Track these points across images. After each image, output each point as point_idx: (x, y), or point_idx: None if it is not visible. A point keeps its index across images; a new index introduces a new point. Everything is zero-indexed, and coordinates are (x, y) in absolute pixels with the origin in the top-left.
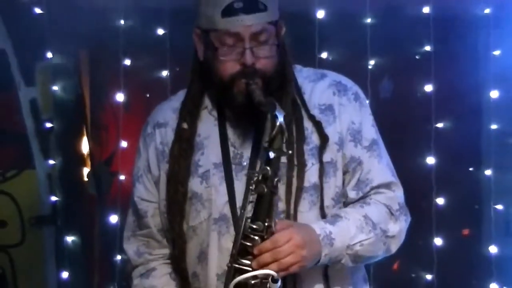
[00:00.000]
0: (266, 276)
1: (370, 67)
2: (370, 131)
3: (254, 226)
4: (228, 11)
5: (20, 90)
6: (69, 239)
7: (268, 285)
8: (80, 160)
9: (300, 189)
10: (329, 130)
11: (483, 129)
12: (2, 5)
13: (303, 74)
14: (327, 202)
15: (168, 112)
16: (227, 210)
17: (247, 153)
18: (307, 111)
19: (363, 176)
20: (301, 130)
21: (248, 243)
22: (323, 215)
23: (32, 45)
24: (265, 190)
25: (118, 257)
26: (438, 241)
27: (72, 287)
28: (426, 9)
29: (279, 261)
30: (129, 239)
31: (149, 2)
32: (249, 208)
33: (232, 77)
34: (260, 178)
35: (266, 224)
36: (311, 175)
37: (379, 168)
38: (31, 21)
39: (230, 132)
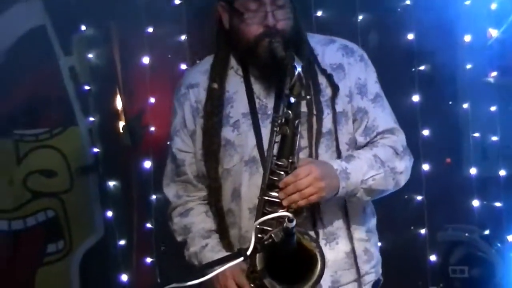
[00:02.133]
0: (283, 217)
1: (359, 21)
2: (374, 86)
3: (280, 163)
4: None
5: (60, 59)
6: (111, 183)
7: (284, 224)
8: (115, 116)
9: (320, 132)
10: (340, 85)
11: (460, 68)
12: None
13: (314, 39)
14: (342, 146)
15: (198, 75)
16: (255, 153)
17: (271, 103)
18: (320, 67)
19: (369, 123)
20: (316, 83)
21: (275, 178)
22: (339, 157)
23: (68, 20)
24: (288, 131)
25: (153, 197)
26: (425, 167)
27: (116, 224)
28: None
29: (300, 191)
30: (169, 184)
31: None
32: (275, 148)
33: (257, 38)
34: (283, 121)
35: (290, 160)
36: (327, 122)
37: (383, 116)
38: None
39: (256, 87)
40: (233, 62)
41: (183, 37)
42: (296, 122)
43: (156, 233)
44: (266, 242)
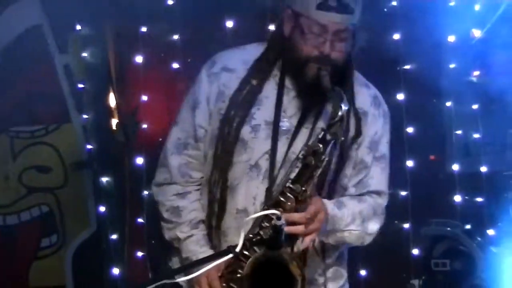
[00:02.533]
0: (272, 215)
1: None
2: (385, 146)
3: (293, 187)
4: (323, 6)
5: (56, 58)
6: (104, 179)
7: (273, 222)
8: (109, 114)
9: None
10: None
11: (444, 68)
12: None
13: (354, 75)
14: (337, 187)
15: (237, 61)
16: (263, 162)
17: (294, 122)
18: (354, 107)
19: (365, 179)
20: (348, 121)
21: (283, 199)
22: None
23: (64, 20)
24: (312, 162)
25: (145, 193)
26: (409, 163)
27: (108, 218)
28: None
29: (309, 226)
30: (173, 154)
31: None
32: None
33: (308, 59)
34: (311, 151)
35: (303, 188)
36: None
37: (379, 178)
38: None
39: (285, 99)
40: (276, 67)
41: (175, 37)
42: (323, 157)
43: (147, 228)
44: (254, 239)
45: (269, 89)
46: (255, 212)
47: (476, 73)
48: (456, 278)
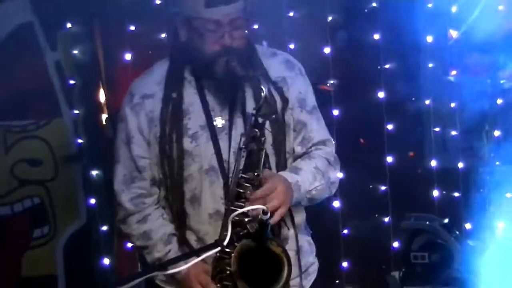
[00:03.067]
0: (258, 210)
1: (328, 21)
2: (312, 99)
3: (246, 176)
4: (211, 3)
5: (46, 54)
6: (94, 173)
7: (259, 217)
8: (98, 109)
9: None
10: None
11: (422, 67)
12: None
13: (260, 51)
14: (286, 155)
15: (152, 85)
16: (214, 163)
17: (225, 116)
18: (271, 80)
19: (306, 135)
20: (271, 95)
21: (241, 190)
22: (284, 166)
23: (54, 17)
24: (255, 147)
25: None
26: (389, 159)
27: (98, 210)
28: None
29: (270, 203)
30: (123, 191)
31: None
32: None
33: (213, 55)
34: (250, 138)
35: (255, 174)
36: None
37: (318, 128)
38: None
39: (210, 99)
40: (187, 73)
41: (163, 35)
42: (263, 139)
43: None
44: (241, 233)
45: (190, 96)
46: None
47: (454, 72)
48: (435, 270)
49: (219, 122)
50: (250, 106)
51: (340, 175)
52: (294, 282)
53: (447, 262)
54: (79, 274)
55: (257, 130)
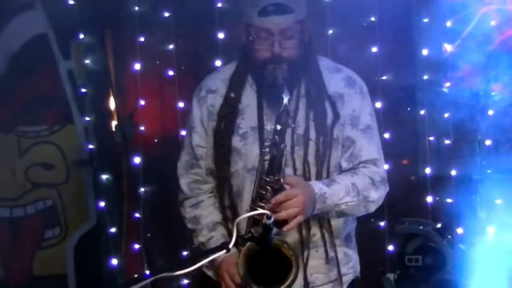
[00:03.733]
0: (262, 215)
1: (329, 34)
2: (367, 118)
3: (267, 179)
4: (263, 12)
5: (60, 63)
6: (104, 176)
7: (263, 221)
8: (108, 116)
9: (316, 154)
10: (340, 114)
11: (418, 78)
12: None
13: (323, 64)
14: (331, 168)
15: (218, 82)
16: (257, 163)
17: (273, 121)
18: (327, 94)
19: (355, 152)
20: (322, 108)
21: (263, 192)
22: (327, 177)
23: (67, 29)
24: (275, 152)
25: (142, 189)
26: (385, 166)
27: (107, 213)
28: None
29: (287, 210)
30: (183, 175)
31: None
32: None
33: (264, 62)
34: (271, 143)
35: (276, 177)
36: (324, 147)
37: (368, 147)
38: (66, 10)
39: (265, 104)
40: (249, 76)
41: (171, 46)
42: (282, 146)
43: (143, 222)
44: (246, 237)
45: (249, 97)
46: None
47: (448, 84)
48: (428, 273)
49: (269, 126)
50: (301, 115)
51: (383, 194)
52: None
53: (440, 265)
54: (88, 273)
55: (276, 137)
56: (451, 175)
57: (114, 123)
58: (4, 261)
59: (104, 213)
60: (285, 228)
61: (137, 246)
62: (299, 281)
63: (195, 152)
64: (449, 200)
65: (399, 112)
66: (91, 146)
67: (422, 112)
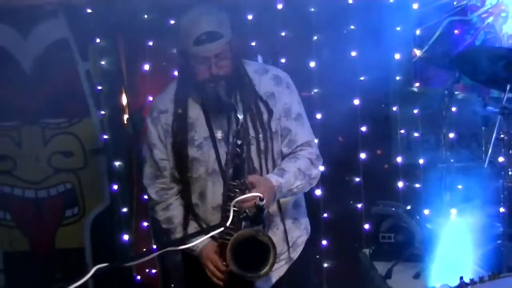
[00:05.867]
0: (255, 197)
1: (314, 40)
2: (296, 107)
3: (234, 183)
4: (197, 42)
5: (78, 64)
6: (117, 163)
7: (256, 202)
8: (121, 110)
9: (265, 149)
10: (274, 110)
11: (391, 79)
12: (64, 7)
13: (252, 68)
14: (275, 156)
15: (167, 102)
16: (216, 166)
17: (223, 129)
18: (258, 95)
19: (291, 138)
20: (258, 108)
21: (232, 194)
22: (273, 165)
23: (85, 34)
24: (238, 162)
25: None
26: (362, 155)
27: (120, 195)
28: (350, 0)
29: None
30: (150, 185)
31: (163, 2)
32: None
33: (204, 82)
34: (233, 155)
35: (241, 181)
36: (268, 141)
37: (302, 132)
38: (84, 17)
39: (211, 115)
40: (192, 93)
41: (176, 50)
42: (243, 156)
43: None
44: (241, 216)
45: (195, 112)
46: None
47: (417, 84)
48: (399, 248)
49: (219, 134)
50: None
51: (322, 168)
52: (285, 255)
53: (409, 242)
54: (103, 247)
55: (238, 149)
56: (419, 163)
57: (125, 116)
58: (29, 236)
59: (117, 195)
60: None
61: (145, 224)
62: None
63: (159, 165)
64: (417, 185)
65: (375, 108)
66: (105, 137)
67: (394, 108)
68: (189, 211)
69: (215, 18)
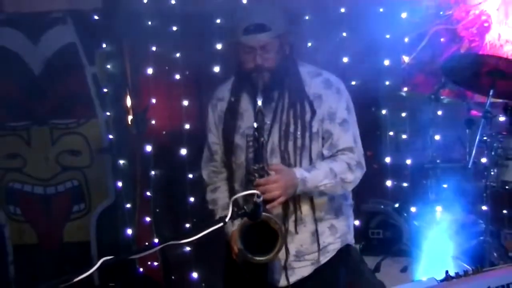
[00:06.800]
0: (253, 194)
1: (308, 46)
2: (343, 113)
3: (254, 167)
4: (246, 31)
5: (86, 68)
6: (121, 162)
7: (254, 199)
8: (125, 112)
9: (302, 146)
10: (317, 111)
11: (381, 84)
12: (72, 14)
13: (306, 69)
14: (313, 156)
15: (225, 91)
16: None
17: (268, 120)
18: (306, 95)
19: (333, 142)
20: (303, 106)
21: (252, 177)
22: (310, 164)
23: (92, 39)
24: (256, 146)
25: (152, 172)
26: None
27: (124, 192)
28: (342, 9)
29: (271, 192)
30: (203, 168)
31: (166, 10)
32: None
33: (249, 71)
34: (253, 139)
35: (260, 165)
36: (306, 140)
37: (345, 137)
38: (91, 24)
39: (259, 105)
40: (247, 84)
41: (178, 54)
42: (262, 139)
43: (153, 200)
44: (240, 212)
45: (246, 103)
46: None
47: (405, 89)
48: (387, 244)
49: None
50: (285, 114)
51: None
52: (312, 256)
53: (397, 237)
54: (107, 241)
55: (256, 133)
56: (407, 163)
57: (130, 117)
58: (38, 230)
59: (121, 192)
60: (268, 206)
61: (148, 219)
62: (292, 251)
63: (212, 149)
64: (405, 184)
65: (365, 111)
66: (110, 137)
67: (384, 111)
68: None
69: (266, 11)
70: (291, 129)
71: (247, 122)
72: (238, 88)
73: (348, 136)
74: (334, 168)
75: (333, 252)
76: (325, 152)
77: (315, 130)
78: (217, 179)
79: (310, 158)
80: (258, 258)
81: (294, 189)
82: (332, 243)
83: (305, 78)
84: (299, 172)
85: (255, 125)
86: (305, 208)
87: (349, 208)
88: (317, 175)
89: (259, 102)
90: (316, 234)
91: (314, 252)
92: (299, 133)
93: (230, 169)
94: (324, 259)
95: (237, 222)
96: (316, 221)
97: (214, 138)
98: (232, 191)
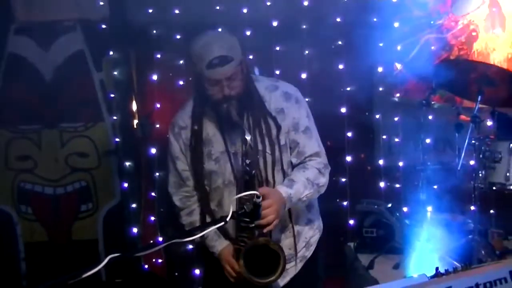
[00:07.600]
0: (253, 195)
1: (305, 54)
2: (304, 121)
3: (246, 198)
4: (210, 66)
5: (93, 74)
6: (127, 163)
7: (254, 199)
8: (131, 116)
9: (273, 161)
10: (282, 124)
11: (374, 90)
12: (82, 22)
13: (262, 84)
14: (285, 167)
15: (186, 118)
16: (232, 178)
17: (238, 145)
18: (268, 111)
19: (300, 150)
20: (267, 124)
21: (244, 206)
22: (283, 176)
23: (100, 47)
24: (248, 178)
25: (157, 174)
26: (348, 158)
27: (130, 192)
28: (338, 19)
29: (266, 218)
30: (174, 193)
31: (170, 19)
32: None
33: (217, 102)
34: (243, 172)
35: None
36: (277, 154)
37: (310, 144)
38: (99, 32)
39: (225, 133)
40: (208, 111)
41: (181, 62)
42: (253, 172)
43: (158, 200)
44: (240, 212)
45: (212, 128)
46: None
47: (398, 94)
48: (380, 242)
49: (233, 149)
50: (256, 132)
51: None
52: (300, 254)
53: (390, 236)
54: (114, 239)
55: (248, 168)
56: (399, 166)
57: (135, 121)
58: (48, 229)
59: (127, 192)
60: (265, 230)
61: (152, 218)
62: None
63: (182, 176)
64: (397, 185)
65: (359, 116)
66: (117, 139)
67: (377, 116)
68: (205, 217)
69: (225, 42)
70: (260, 147)
71: (218, 147)
72: (199, 114)
73: (312, 142)
74: (309, 176)
75: (315, 244)
76: (294, 160)
77: (283, 142)
78: (191, 202)
79: (282, 170)
80: (265, 281)
81: (284, 208)
82: (312, 236)
83: (263, 94)
84: (283, 190)
85: (247, 161)
86: (285, 216)
87: (316, 198)
88: (298, 189)
89: (248, 139)
90: (299, 234)
91: (301, 250)
92: (268, 150)
93: (204, 192)
94: (309, 253)
95: (225, 241)
96: (295, 222)
97: (184, 166)
98: (208, 212)
